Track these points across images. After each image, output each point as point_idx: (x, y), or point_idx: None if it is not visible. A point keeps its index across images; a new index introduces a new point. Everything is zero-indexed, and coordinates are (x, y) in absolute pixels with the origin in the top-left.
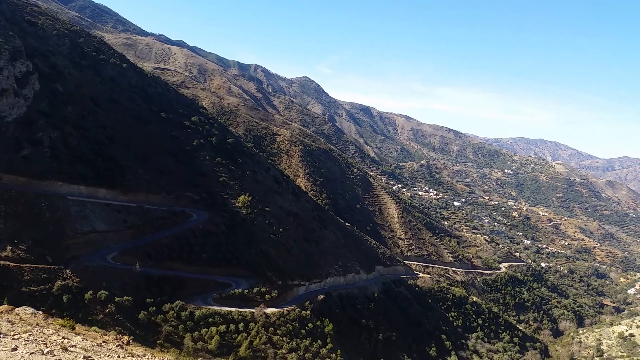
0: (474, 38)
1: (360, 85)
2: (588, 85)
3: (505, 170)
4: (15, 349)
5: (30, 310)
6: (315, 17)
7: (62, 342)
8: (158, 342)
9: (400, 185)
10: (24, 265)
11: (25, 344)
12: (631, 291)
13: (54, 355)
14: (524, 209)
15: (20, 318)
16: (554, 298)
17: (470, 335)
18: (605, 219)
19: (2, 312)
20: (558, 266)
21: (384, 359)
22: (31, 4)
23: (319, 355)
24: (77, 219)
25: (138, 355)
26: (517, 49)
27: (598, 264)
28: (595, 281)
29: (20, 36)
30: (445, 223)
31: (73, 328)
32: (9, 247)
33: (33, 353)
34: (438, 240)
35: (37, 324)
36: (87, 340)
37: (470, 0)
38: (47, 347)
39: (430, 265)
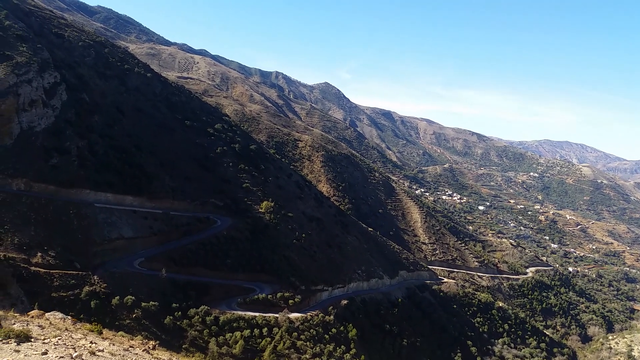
0: (495, 40)
1: (380, 89)
2: (614, 86)
3: (531, 174)
4: (45, 353)
5: (60, 315)
6: (334, 22)
7: (90, 347)
8: (184, 346)
9: (423, 190)
10: (54, 271)
11: (55, 348)
12: None
13: (83, 359)
14: (551, 212)
15: (50, 323)
16: (582, 303)
17: (496, 340)
18: (634, 222)
19: (33, 317)
20: (586, 270)
21: None
22: (58, 16)
23: None
24: (104, 225)
25: None
26: (540, 50)
27: (628, 268)
28: (625, 285)
29: (48, 48)
30: (470, 227)
31: (100, 333)
32: (39, 254)
33: (62, 357)
34: (463, 244)
35: (66, 329)
36: (114, 344)
37: (490, 1)
38: (75, 352)
39: (455, 270)
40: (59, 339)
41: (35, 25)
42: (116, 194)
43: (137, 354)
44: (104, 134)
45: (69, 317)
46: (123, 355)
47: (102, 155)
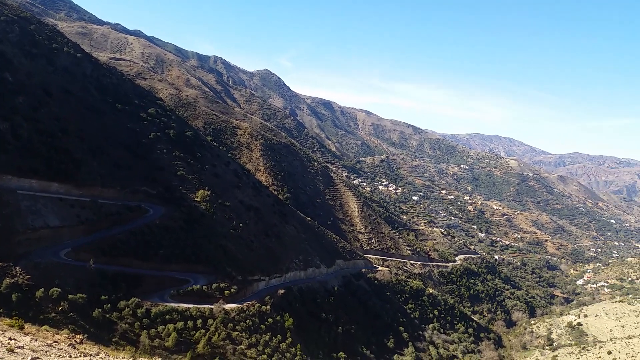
0: (430, 36)
1: (321, 79)
2: (541, 82)
3: (462, 166)
4: None
5: None
6: (275, 9)
7: (9, 343)
8: (113, 340)
9: (360, 180)
10: None
11: None
12: (580, 282)
13: None
14: (479, 203)
15: None
16: (507, 289)
17: (427, 326)
18: (556, 212)
19: None
20: (511, 258)
21: (343, 352)
22: None
23: (279, 350)
24: (28, 214)
25: (91, 355)
26: (472, 46)
27: (549, 257)
28: (547, 273)
29: None
30: (404, 217)
31: (22, 328)
32: None
33: None
34: (397, 234)
35: None
36: (36, 340)
37: None
38: None
39: (389, 258)
40: None
41: None
42: (41, 180)
43: (61, 349)
44: (28, 117)
45: None
46: (46, 351)
47: (26, 140)
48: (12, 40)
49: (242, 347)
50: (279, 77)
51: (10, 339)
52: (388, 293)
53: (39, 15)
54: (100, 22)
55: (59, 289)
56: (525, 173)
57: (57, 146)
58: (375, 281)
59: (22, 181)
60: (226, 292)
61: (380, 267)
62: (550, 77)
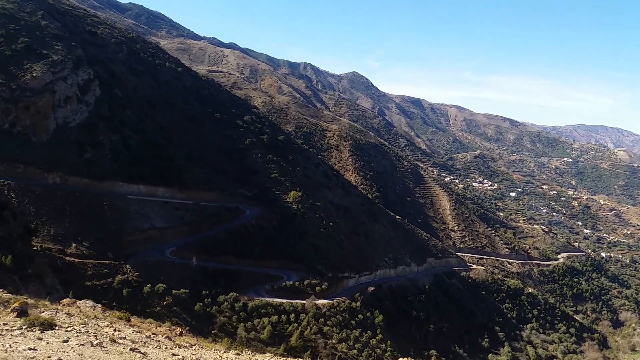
0: (525, 23)
1: (409, 77)
2: None
3: (565, 159)
4: (66, 340)
5: (91, 303)
6: (360, 11)
7: (112, 334)
8: (212, 332)
9: (452, 177)
10: (87, 261)
11: (77, 335)
12: None
13: (102, 346)
14: (584, 197)
15: (80, 310)
16: (615, 288)
17: (524, 326)
18: None
19: (64, 305)
20: (619, 256)
21: (434, 349)
22: (91, 14)
23: (369, 346)
24: (137, 216)
25: (185, 346)
26: (570, 32)
27: None
28: None
29: (81, 46)
30: (501, 214)
31: (129, 320)
32: (74, 245)
33: (82, 345)
34: (492, 231)
35: (95, 317)
36: (139, 332)
37: None
38: (96, 339)
39: (484, 257)
40: (82, 327)
41: (70, 23)
42: (148, 185)
43: (159, 340)
44: (136, 128)
45: (100, 305)
46: (145, 342)
47: (134, 149)
48: (120, 60)
49: (333, 341)
50: (366, 78)
51: (115, 330)
52: (483, 292)
53: (143, 34)
54: (197, 38)
55: (164, 285)
56: (635, 165)
57: (161, 154)
58: (469, 280)
59: (131, 187)
60: (317, 288)
61: (474, 266)
62: None
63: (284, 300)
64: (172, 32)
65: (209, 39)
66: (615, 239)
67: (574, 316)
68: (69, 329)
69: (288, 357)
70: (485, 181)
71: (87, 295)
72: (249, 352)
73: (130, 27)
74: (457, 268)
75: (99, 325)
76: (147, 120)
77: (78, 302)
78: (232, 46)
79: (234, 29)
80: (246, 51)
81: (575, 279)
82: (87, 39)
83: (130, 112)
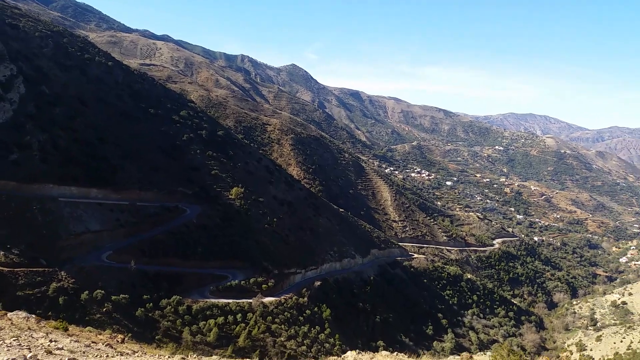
0: (459, 15)
1: (348, 69)
2: (575, 57)
3: (496, 147)
4: None
5: (23, 314)
6: (298, 2)
7: (48, 345)
8: (157, 338)
9: (392, 168)
10: (18, 269)
11: (8, 349)
12: (623, 260)
13: (38, 359)
14: (516, 184)
15: (12, 323)
16: (548, 271)
17: (466, 312)
18: (596, 189)
19: None
20: (551, 239)
21: (381, 340)
22: (11, 6)
23: (318, 341)
24: (70, 220)
25: (128, 354)
26: (502, 24)
27: (590, 235)
28: (588, 252)
29: (2, 40)
30: (439, 203)
31: (66, 329)
32: (2, 253)
33: (14, 359)
34: (432, 220)
35: (29, 328)
36: (77, 341)
37: None
38: (30, 352)
39: (425, 245)
40: (14, 340)
41: None
42: (81, 187)
43: (99, 349)
44: (66, 127)
45: (33, 316)
46: (84, 352)
47: (64, 149)
48: (47, 55)
49: (282, 339)
50: (305, 71)
51: (51, 340)
52: (425, 280)
53: (70, 28)
54: (128, 30)
55: (103, 291)
56: (562, 151)
57: (94, 153)
58: (412, 269)
59: (62, 189)
60: (264, 286)
61: (416, 255)
62: (584, 49)
63: (230, 301)
64: (102, 24)
65: (141, 31)
66: (547, 223)
67: (512, 300)
68: None
69: (236, 359)
70: (423, 171)
71: (20, 306)
72: (195, 355)
73: (56, 20)
74: (399, 258)
75: (33, 337)
76: (78, 118)
77: (9, 314)
78: (165, 38)
79: (167, 20)
80: (180, 43)
81: (510, 264)
82: (8, 33)
83: (60, 110)
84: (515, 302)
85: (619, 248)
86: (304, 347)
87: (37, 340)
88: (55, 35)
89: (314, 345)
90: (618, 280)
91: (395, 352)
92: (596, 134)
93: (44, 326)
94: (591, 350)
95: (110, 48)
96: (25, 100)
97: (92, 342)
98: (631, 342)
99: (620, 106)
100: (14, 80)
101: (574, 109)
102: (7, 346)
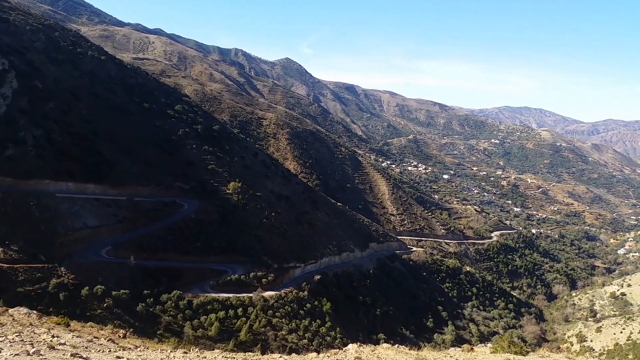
0: (453, 9)
1: (343, 63)
2: (570, 50)
3: (492, 140)
4: None
5: (24, 310)
6: None
7: (51, 341)
8: (158, 332)
9: (389, 162)
10: (18, 265)
11: (11, 345)
12: (621, 251)
13: (40, 354)
14: (512, 177)
15: (14, 319)
16: (547, 263)
17: (465, 304)
18: (592, 182)
19: None
20: (549, 231)
21: (382, 333)
22: None
23: (319, 334)
24: (68, 215)
25: (130, 348)
26: (497, 17)
27: (588, 227)
28: (586, 244)
29: None
30: (436, 196)
31: (68, 325)
32: (1, 249)
33: (17, 354)
34: (429, 213)
35: (30, 324)
36: (79, 337)
37: None
38: (33, 347)
39: (423, 238)
40: (17, 336)
41: None
42: (77, 182)
43: (101, 344)
44: (60, 121)
45: (35, 311)
46: (86, 347)
47: (59, 144)
48: (38, 49)
49: (283, 332)
50: (300, 65)
51: (53, 336)
52: (424, 273)
53: (62, 21)
54: (121, 24)
55: (103, 287)
56: (558, 144)
57: (89, 148)
58: (411, 262)
59: (59, 184)
60: (263, 280)
61: (414, 248)
62: (580, 42)
63: (231, 295)
64: (94, 18)
65: (133, 25)
66: (544, 216)
67: (511, 292)
68: (1, 339)
69: (238, 353)
70: (420, 165)
71: (20, 302)
72: (197, 350)
73: (47, 13)
74: (398, 251)
75: (35, 333)
76: (72, 112)
77: (10, 310)
78: (158, 32)
79: (159, 13)
80: (173, 37)
81: (509, 256)
82: None
83: (53, 105)
84: (514, 294)
85: (617, 240)
86: (305, 341)
87: (40, 335)
88: (47, 29)
89: (315, 339)
90: (617, 271)
91: (397, 345)
92: (591, 127)
93: (46, 322)
94: (591, 341)
95: (102, 42)
96: (18, 95)
97: (94, 338)
98: (631, 333)
99: (615, 98)
100: (6, 75)
101: (568, 102)
102: (10, 342)
